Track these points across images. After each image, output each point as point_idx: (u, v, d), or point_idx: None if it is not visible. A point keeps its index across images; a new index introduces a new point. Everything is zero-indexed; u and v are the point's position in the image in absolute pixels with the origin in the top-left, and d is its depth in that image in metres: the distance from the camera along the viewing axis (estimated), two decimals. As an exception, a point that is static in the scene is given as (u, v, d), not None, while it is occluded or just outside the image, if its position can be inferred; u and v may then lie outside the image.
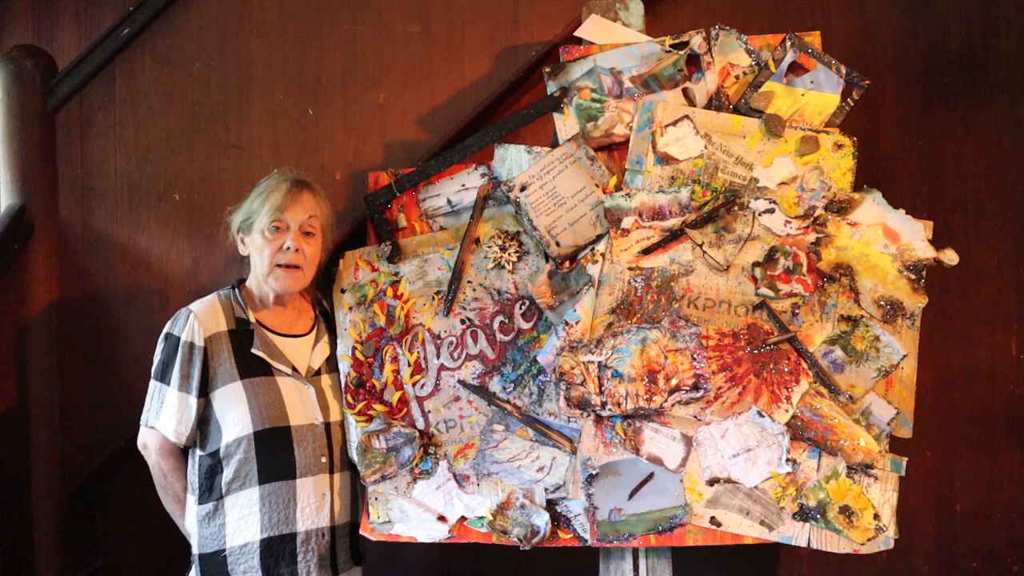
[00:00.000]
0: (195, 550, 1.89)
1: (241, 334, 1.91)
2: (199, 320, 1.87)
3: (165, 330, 1.90)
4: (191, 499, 1.90)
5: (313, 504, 1.90)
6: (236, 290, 1.98)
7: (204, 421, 1.88)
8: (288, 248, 1.90)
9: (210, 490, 1.87)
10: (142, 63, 2.41)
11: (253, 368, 1.89)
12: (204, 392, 1.86)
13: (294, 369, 1.94)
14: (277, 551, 1.86)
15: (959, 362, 2.42)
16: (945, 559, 2.46)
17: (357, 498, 2.04)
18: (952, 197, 2.41)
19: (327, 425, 1.96)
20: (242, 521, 1.85)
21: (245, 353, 1.89)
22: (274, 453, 1.86)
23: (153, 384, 1.88)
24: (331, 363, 2.05)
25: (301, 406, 1.92)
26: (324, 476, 1.93)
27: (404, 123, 2.30)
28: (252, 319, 1.93)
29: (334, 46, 2.33)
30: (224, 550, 1.85)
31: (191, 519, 1.90)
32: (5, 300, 2.34)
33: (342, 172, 2.32)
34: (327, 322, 2.09)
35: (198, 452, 1.89)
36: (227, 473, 1.85)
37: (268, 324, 1.96)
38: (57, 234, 2.42)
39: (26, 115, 2.37)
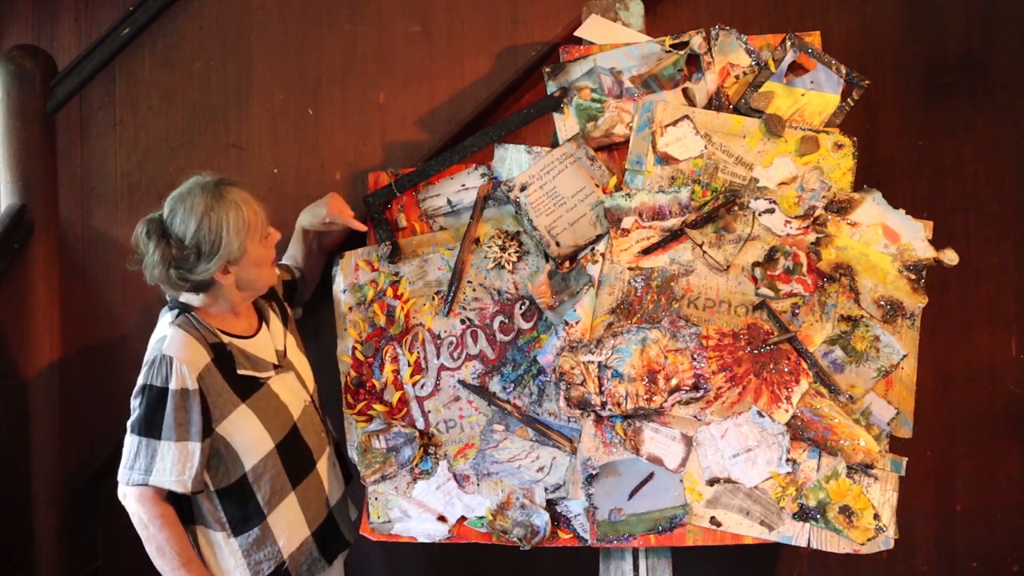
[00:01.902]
0: None
1: (223, 359, 1.78)
2: (185, 363, 1.70)
3: (142, 381, 1.72)
4: (220, 536, 1.80)
5: (332, 477, 1.98)
6: (190, 315, 1.80)
7: (212, 456, 1.77)
8: (273, 242, 1.85)
9: (246, 518, 1.80)
10: (142, 63, 2.41)
11: (247, 387, 1.81)
12: (208, 432, 1.74)
13: (274, 365, 1.89)
14: (327, 533, 1.93)
15: (959, 362, 2.41)
16: (945, 559, 2.46)
17: (336, 435, 2.11)
18: (952, 197, 2.41)
19: (312, 399, 1.98)
20: (291, 528, 1.85)
21: (234, 376, 1.79)
22: (295, 454, 1.87)
23: (136, 440, 1.70)
24: (283, 330, 1.99)
25: (292, 395, 1.90)
26: (329, 448, 1.99)
27: (404, 123, 2.30)
28: (223, 338, 1.80)
29: (334, 46, 2.33)
30: (284, 562, 1.84)
31: (232, 556, 1.80)
32: (5, 300, 2.34)
33: (342, 172, 2.32)
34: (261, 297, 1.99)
35: (212, 489, 1.78)
36: (263, 495, 1.81)
37: (235, 332, 1.85)
38: (57, 234, 2.42)
39: (26, 115, 2.37)
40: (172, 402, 1.69)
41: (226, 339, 1.81)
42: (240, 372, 1.80)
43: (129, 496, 1.72)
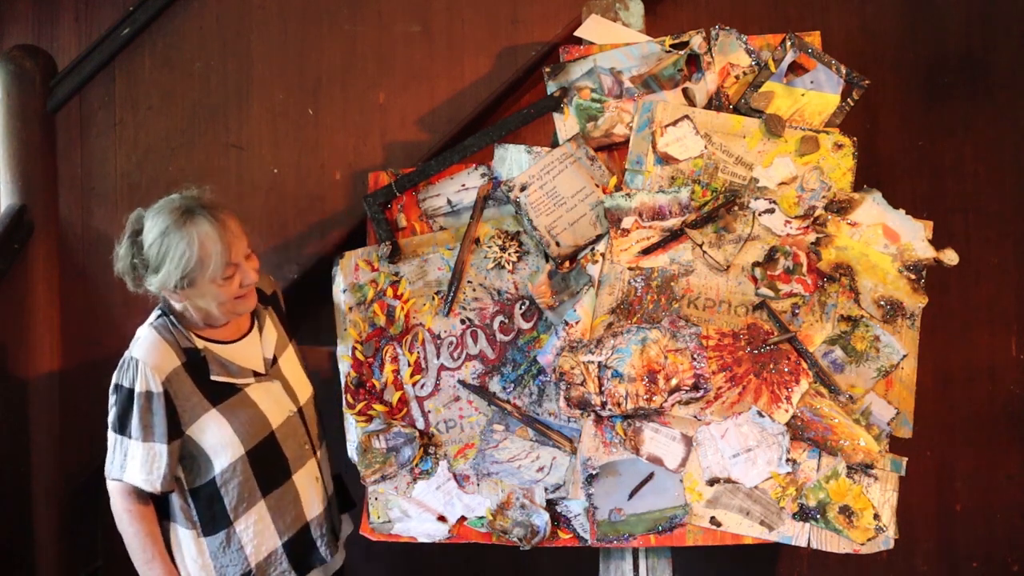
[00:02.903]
0: None
1: (195, 364, 1.79)
2: (150, 367, 1.74)
3: (114, 380, 1.77)
4: (190, 535, 1.83)
5: (311, 491, 1.93)
6: (170, 318, 1.82)
7: (187, 456, 1.80)
8: (246, 284, 1.80)
9: (213, 520, 1.82)
10: (142, 63, 2.41)
11: (220, 393, 1.81)
12: (177, 434, 1.76)
13: (255, 372, 1.88)
14: (300, 546, 1.90)
15: (959, 362, 2.42)
16: (945, 559, 2.46)
17: (334, 457, 2.07)
18: (952, 197, 2.41)
19: (300, 411, 1.94)
20: (260, 536, 1.85)
21: (206, 382, 1.80)
22: (269, 463, 1.86)
23: (112, 437, 1.78)
24: (281, 341, 1.98)
25: (275, 404, 1.89)
26: (311, 460, 1.95)
27: (404, 123, 2.30)
28: (199, 345, 1.81)
29: (334, 46, 2.33)
30: (251, 570, 1.84)
31: (200, 556, 1.83)
32: (5, 300, 2.34)
33: (342, 172, 2.32)
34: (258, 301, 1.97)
35: (186, 488, 1.82)
36: (230, 499, 1.81)
37: (216, 338, 1.85)
38: (57, 234, 2.42)
39: (26, 115, 2.37)
40: (137, 404, 1.74)
41: (201, 344, 1.82)
42: (213, 378, 1.81)
43: (111, 490, 1.80)
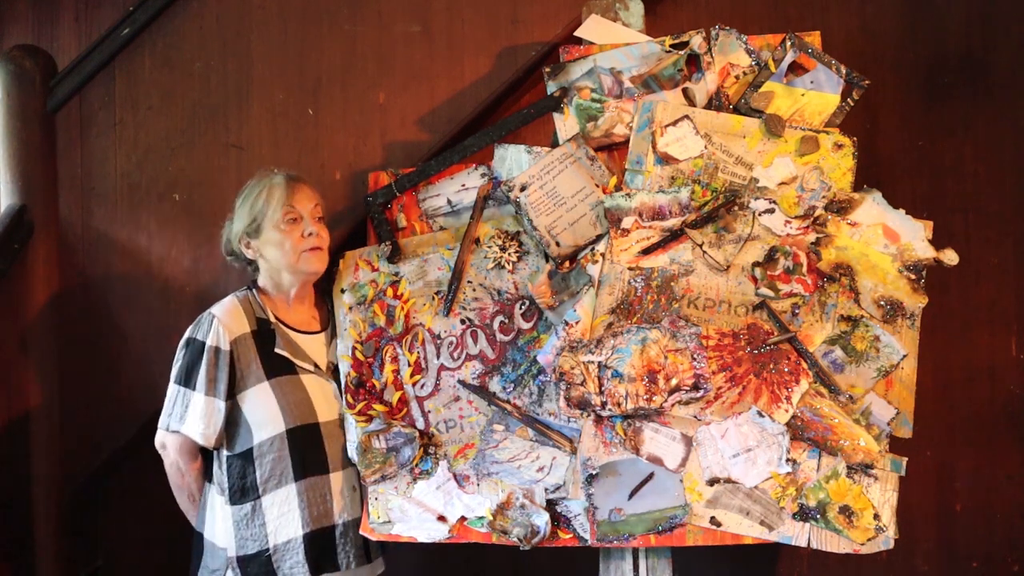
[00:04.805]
0: (232, 552, 1.89)
1: (264, 334, 1.93)
2: (223, 324, 1.88)
3: (187, 335, 1.91)
4: (220, 500, 1.91)
5: (347, 497, 1.97)
6: (252, 291, 1.99)
7: (232, 422, 1.90)
8: (311, 234, 1.93)
9: (243, 491, 1.89)
10: (142, 63, 2.41)
11: (278, 367, 1.92)
12: (232, 395, 1.88)
13: (316, 366, 1.98)
14: (320, 545, 1.92)
15: (959, 362, 2.41)
16: (945, 559, 2.46)
17: None
18: (952, 197, 2.41)
19: None
20: (283, 518, 1.88)
21: (269, 353, 1.92)
22: (307, 450, 1.91)
23: (175, 388, 1.89)
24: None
25: (326, 402, 1.97)
26: (353, 469, 1.99)
27: (404, 123, 2.30)
28: (272, 318, 1.96)
29: (334, 46, 2.33)
30: (268, 549, 1.88)
31: (224, 522, 1.90)
32: (5, 300, 2.34)
33: (342, 172, 2.32)
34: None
35: (225, 453, 1.91)
36: (262, 472, 1.88)
37: (287, 322, 1.99)
38: (57, 234, 2.42)
39: (26, 115, 2.37)
40: (207, 357, 1.86)
41: (274, 320, 1.96)
42: (277, 351, 1.93)
43: (169, 446, 1.90)
